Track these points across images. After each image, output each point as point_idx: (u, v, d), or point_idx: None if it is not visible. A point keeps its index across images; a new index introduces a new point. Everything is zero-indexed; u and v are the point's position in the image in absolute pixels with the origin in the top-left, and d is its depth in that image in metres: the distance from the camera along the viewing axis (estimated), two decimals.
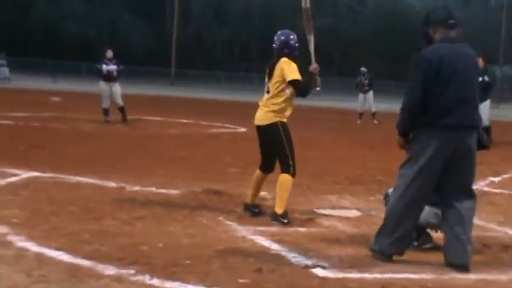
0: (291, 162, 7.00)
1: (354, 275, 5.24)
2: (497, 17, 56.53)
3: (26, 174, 8.97)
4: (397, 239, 5.60)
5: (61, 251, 5.42)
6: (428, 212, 5.97)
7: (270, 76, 7.07)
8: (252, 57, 68.85)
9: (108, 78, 18.15)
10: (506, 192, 9.61)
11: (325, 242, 6.21)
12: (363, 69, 23.90)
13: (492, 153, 14.45)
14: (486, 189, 9.69)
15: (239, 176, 9.63)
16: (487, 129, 16.53)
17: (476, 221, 6.56)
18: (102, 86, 18.34)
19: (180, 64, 57.49)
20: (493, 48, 52.99)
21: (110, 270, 4.99)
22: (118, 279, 4.83)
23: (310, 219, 7.20)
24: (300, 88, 6.95)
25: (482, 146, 5.80)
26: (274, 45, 7.18)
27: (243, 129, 17.56)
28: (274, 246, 5.96)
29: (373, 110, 23.48)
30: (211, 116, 22.29)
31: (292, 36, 7.15)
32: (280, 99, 7.02)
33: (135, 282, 4.80)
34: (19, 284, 4.66)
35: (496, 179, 10.74)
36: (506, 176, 11.28)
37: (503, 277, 5.42)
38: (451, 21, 5.67)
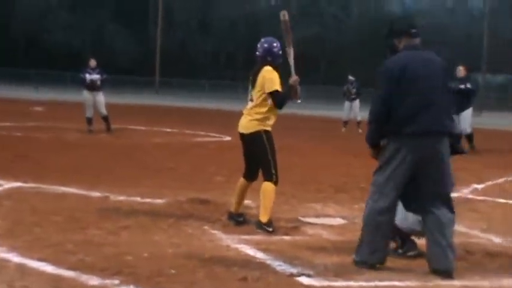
0: (273, 171, 7.01)
1: (339, 283, 5.25)
2: (479, 25, 56.86)
3: (8, 185, 8.92)
4: (376, 247, 5.63)
5: (44, 261, 5.38)
6: (412, 220, 5.99)
7: (253, 84, 7.09)
8: (237, 66, 68.83)
9: (92, 87, 18.09)
10: (490, 199, 9.65)
11: (310, 250, 6.21)
12: (350, 77, 23.91)
13: (475, 161, 14.57)
14: (469, 196, 9.73)
15: (224, 185, 9.61)
16: (470, 137, 16.64)
17: (459, 227, 6.63)
18: (86, 95, 18.27)
19: (165, 73, 57.36)
20: (476, 56, 53.35)
21: (94, 280, 4.97)
22: None
23: (295, 227, 7.20)
24: (277, 101, 6.97)
25: (456, 151, 5.82)
26: (257, 52, 7.19)
27: (228, 138, 17.55)
28: (259, 255, 5.95)
29: (359, 118, 23.48)
30: (196, 125, 22.26)
31: (275, 44, 7.17)
32: (263, 109, 7.03)
33: None
34: None
35: (480, 186, 10.79)
36: (489, 183, 11.33)
37: (485, 283, 5.44)
38: (414, 31, 5.80)
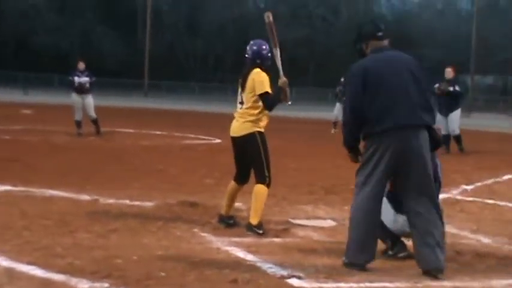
0: (266, 173, 7.00)
1: (330, 284, 5.24)
2: (468, 26, 57.12)
3: None
4: (364, 246, 5.65)
5: (33, 265, 5.35)
6: (402, 221, 6.00)
7: (243, 87, 7.08)
8: (225, 69, 68.86)
9: (80, 90, 18.05)
10: (479, 200, 9.68)
11: (301, 252, 6.21)
12: (343, 79, 23.90)
13: (464, 162, 14.63)
14: (459, 197, 9.76)
15: (214, 187, 9.60)
16: (458, 138, 16.70)
17: (449, 228, 6.64)
18: (75, 98, 18.22)
19: (153, 75, 57.31)
20: (464, 57, 53.57)
21: (83, 284, 4.94)
22: None
23: (286, 229, 7.20)
24: (267, 103, 6.97)
25: (437, 144, 5.84)
26: (246, 55, 7.19)
27: (217, 141, 17.53)
28: (250, 257, 5.94)
29: None
30: (185, 128, 22.23)
31: (264, 46, 7.17)
32: (256, 110, 7.03)
33: None
34: None
35: (469, 187, 10.83)
36: (478, 184, 11.37)
37: (476, 284, 5.44)
38: (379, 34, 5.90)
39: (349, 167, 6.05)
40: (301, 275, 5.39)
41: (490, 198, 9.85)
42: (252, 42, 7.28)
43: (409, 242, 6.17)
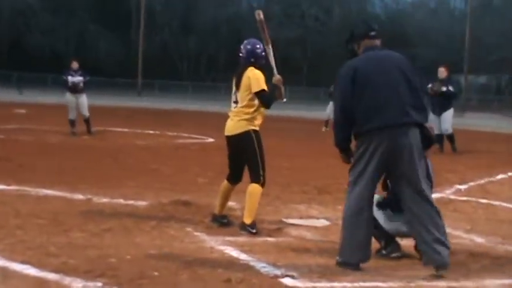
0: (261, 172, 7.01)
1: (323, 284, 5.25)
2: (461, 26, 57.20)
3: None
4: (357, 246, 5.65)
5: (27, 264, 5.34)
6: (397, 220, 6.01)
7: (238, 86, 7.09)
8: (219, 68, 68.83)
9: (74, 89, 18.03)
10: (473, 200, 9.70)
11: (294, 252, 6.21)
12: None
13: (458, 162, 14.66)
14: (452, 197, 9.78)
15: (207, 187, 9.60)
16: (451, 137, 16.73)
17: None
18: (69, 97, 18.21)
19: (147, 75, 57.26)
20: (458, 57, 53.64)
21: (77, 283, 4.94)
22: None
23: (279, 229, 7.20)
24: (264, 100, 6.98)
25: (430, 141, 5.84)
26: (240, 54, 7.20)
27: (210, 140, 17.52)
28: (243, 257, 5.95)
29: None
30: (179, 127, 22.21)
31: (258, 46, 7.18)
32: (251, 109, 7.04)
33: None
34: None
35: (463, 187, 10.85)
36: (472, 183, 11.39)
37: (469, 284, 5.45)
38: (372, 33, 5.92)
39: (343, 167, 6.05)
40: (294, 274, 5.40)
41: (484, 198, 9.87)
42: (246, 41, 7.29)
43: (403, 242, 6.20)
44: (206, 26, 70.24)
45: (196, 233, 6.83)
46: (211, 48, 70.84)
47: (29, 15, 67.58)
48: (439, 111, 16.17)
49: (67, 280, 4.99)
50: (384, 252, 6.14)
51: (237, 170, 7.26)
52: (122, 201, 8.39)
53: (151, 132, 20.02)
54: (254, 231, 6.87)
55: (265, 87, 6.97)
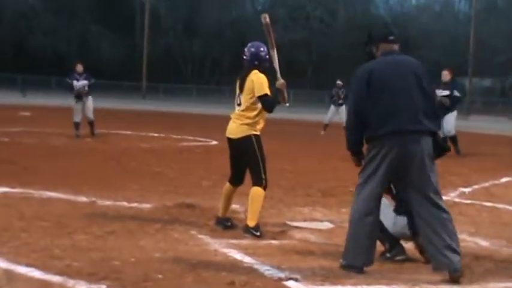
0: (263, 175, 7.00)
1: (327, 287, 5.24)
2: (466, 29, 57.18)
3: None
4: (362, 249, 5.64)
5: (31, 267, 5.35)
6: (403, 224, 6.01)
7: (241, 88, 7.09)
8: (223, 71, 68.89)
9: (79, 96, 18.07)
10: (477, 203, 9.68)
11: (298, 255, 6.21)
12: (339, 82, 23.97)
13: (462, 165, 14.63)
14: (457, 200, 9.76)
15: (212, 189, 9.59)
16: (454, 139, 16.69)
17: None
18: (75, 103, 18.23)
19: (151, 78, 57.36)
20: (462, 60, 53.63)
21: (81, 285, 4.95)
22: None
23: (283, 231, 7.20)
24: (267, 105, 6.98)
25: (443, 150, 5.82)
26: (244, 57, 7.19)
27: (215, 142, 17.52)
28: (247, 259, 5.95)
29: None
30: (183, 130, 22.23)
31: (262, 48, 7.17)
32: (253, 113, 7.03)
33: None
34: None
35: (467, 190, 10.83)
36: (476, 186, 11.37)
37: (474, 287, 5.44)
38: (391, 37, 5.90)
39: (346, 169, 6.07)
40: (298, 277, 5.39)
41: (488, 201, 9.85)
42: (250, 44, 7.29)
43: (407, 245, 6.19)
44: (210, 29, 70.32)
45: (200, 236, 6.83)
46: (216, 51, 70.94)
47: (31, 17, 67.68)
48: (442, 113, 16.14)
49: (71, 283, 5.00)
50: (388, 255, 6.13)
51: (239, 171, 7.26)
52: (125, 203, 8.40)
53: (155, 135, 20.03)
54: (258, 234, 6.87)
55: (269, 92, 6.96)
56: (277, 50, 7.11)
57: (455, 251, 5.52)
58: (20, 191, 8.90)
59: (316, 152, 17.21)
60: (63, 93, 20.45)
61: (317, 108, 40.25)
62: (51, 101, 35.28)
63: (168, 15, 72.83)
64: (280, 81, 7.04)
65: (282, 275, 5.45)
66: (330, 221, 7.90)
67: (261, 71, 7.06)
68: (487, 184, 11.76)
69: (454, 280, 5.45)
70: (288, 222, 7.69)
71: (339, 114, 23.61)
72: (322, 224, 7.79)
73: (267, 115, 7.17)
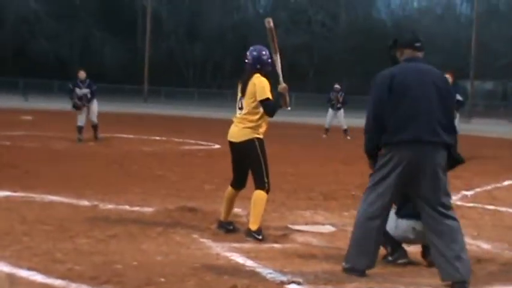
0: (265, 179, 7.00)
1: None
2: (467, 32, 57.18)
3: None
4: (365, 252, 5.62)
5: (33, 270, 5.35)
6: (405, 227, 6.00)
7: (243, 92, 7.08)
8: (224, 75, 68.94)
9: (77, 106, 18.10)
10: (479, 206, 9.68)
11: (300, 258, 6.20)
12: (336, 86, 24.04)
13: (464, 168, 14.52)
14: (459, 203, 9.74)
15: (214, 193, 9.60)
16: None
17: None
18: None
19: (153, 81, 57.40)
20: (464, 63, 53.61)
21: None
22: None
23: (285, 235, 7.19)
24: (268, 109, 6.97)
25: (457, 161, 5.78)
26: (246, 60, 7.19)
27: (217, 146, 17.53)
28: (249, 263, 5.94)
29: (345, 126, 23.64)
30: (185, 133, 22.24)
31: (264, 52, 7.17)
32: (255, 116, 7.03)
33: None
34: None
35: (469, 193, 10.83)
36: (478, 189, 11.37)
37: None
38: (417, 44, 5.87)
39: (348, 173, 6.07)
40: (300, 280, 5.39)
41: (491, 204, 9.85)
42: (252, 47, 7.28)
43: (409, 248, 6.18)
44: (212, 33, 70.37)
45: (202, 240, 6.83)
46: (217, 55, 70.98)
47: (33, 21, 67.76)
48: None
49: (73, 286, 5.00)
50: (390, 258, 6.12)
51: (241, 175, 7.26)
52: (127, 207, 8.40)
53: (157, 138, 20.04)
54: (260, 237, 6.86)
55: (270, 96, 6.95)
56: (280, 55, 7.10)
57: (464, 261, 5.46)
58: (22, 195, 8.90)
59: (317, 155, 17.21)
60: (65, 98, 20.44)
61: (319, 112, 40.17)
62: (53, 105, 35.30)
63: (169, 19, 72.93)
64: (282, 85, 7.04)
65: (284, 278, 5.44)
66: (332, 224, 7.90)
67: (263, 75, 7.05)
68: (489, 187, 11.76)
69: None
70: (290, 226, 7.68)
71: (337, 118, 23.71)
72: (324, 227, 7.79)
73: (269, 118, 7.16)
